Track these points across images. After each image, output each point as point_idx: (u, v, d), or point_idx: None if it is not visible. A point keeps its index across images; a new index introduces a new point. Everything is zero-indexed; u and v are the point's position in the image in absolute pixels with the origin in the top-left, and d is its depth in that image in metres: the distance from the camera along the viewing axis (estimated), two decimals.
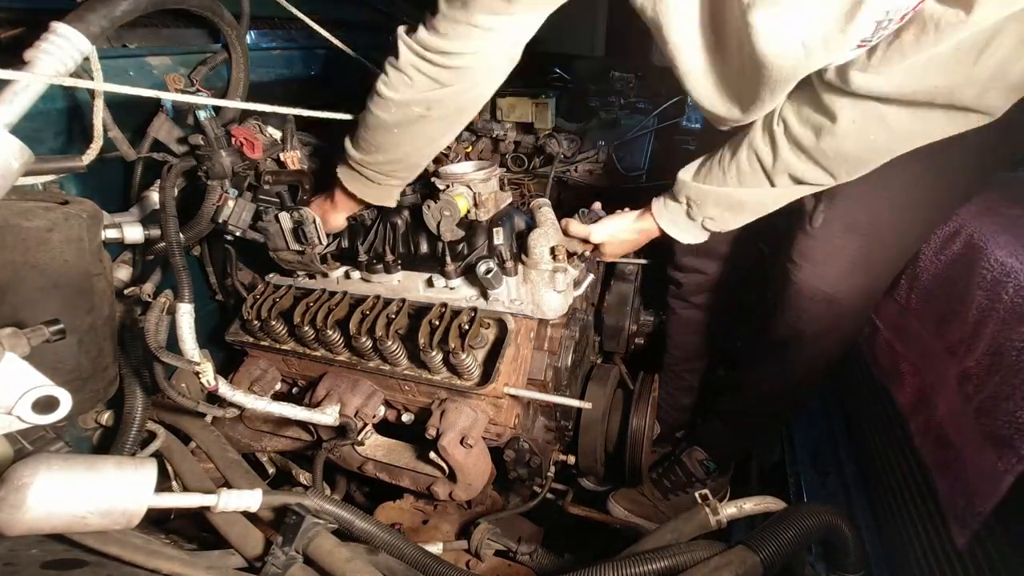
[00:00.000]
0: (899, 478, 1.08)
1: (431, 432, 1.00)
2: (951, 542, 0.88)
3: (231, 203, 1.03)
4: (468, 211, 1.05)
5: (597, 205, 1.15)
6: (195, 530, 0.93)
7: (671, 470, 1.41)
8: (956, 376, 0.88)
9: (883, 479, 1.17)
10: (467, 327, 0.99)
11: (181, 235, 0.94)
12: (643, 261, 1.52)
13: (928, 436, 0.98)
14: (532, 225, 1.06)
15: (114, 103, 0.94)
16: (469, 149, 1.56)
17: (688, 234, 1.03)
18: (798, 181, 0.88)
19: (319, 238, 1.04)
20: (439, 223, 1.03)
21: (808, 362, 1.17)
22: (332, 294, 1.13)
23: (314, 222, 1.02)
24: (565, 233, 1.09)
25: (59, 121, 0.94)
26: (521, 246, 1.05)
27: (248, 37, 1.15)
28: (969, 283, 0.88)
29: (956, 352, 0.90)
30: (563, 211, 1.31)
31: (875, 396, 1.18)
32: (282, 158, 1.10)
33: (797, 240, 1.07)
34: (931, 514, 0.97)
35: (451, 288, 1.08)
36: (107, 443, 1.01)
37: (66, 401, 0.63)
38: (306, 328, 1.08)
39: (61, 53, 0.72)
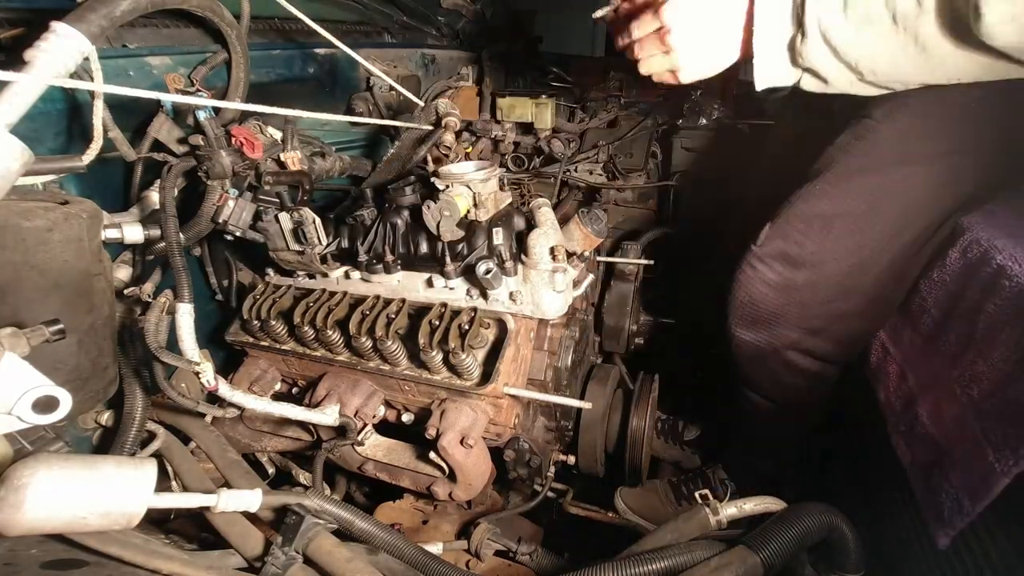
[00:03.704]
0: (898, 478, 1.08)
1: (431, 432, 1.00)
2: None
3: (231, 203, 1.03)
4: (468, 211, 1.05)
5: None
6: (195, 530, 0.93)
7: (692, 480, 1.41)
8: (957, 379, 0.88)
9: (882, 479, 1.17)
10: (467, 327, 0.99)
11: (181, 235, 0.94)
12: (644, 261, 1.52)
13: (910, 436, 0.98)
14: (532, 225, 1.06)
15: (114, 103, 0.94)
16: (469, 149, 1.57)
17: (774, 64, 0.74)
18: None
19: (319, 238, 1.04)
20: (439, 223, 1.03)
21: (761, 382, 1.13)
22: (332, 294, 1.13)
23: (314, 222, 1.02)
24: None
25: (59, 121, 0.94)
26: (521, 246, 1.05)
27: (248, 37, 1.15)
28: (976, 290, 0.87)
29: (957, 357, 0.89)
30: (563, 211, 1.30)
31: (874, 394, 1.18)
32: (282, 158, 1.10)
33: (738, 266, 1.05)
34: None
35: (451, 288, 1.08)
36: (107, 443, 1.01)
37: (66, 401, 0.63)
38: (306, 328, 1.08)
39: (61, 53, 0.72)
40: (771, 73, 0.75)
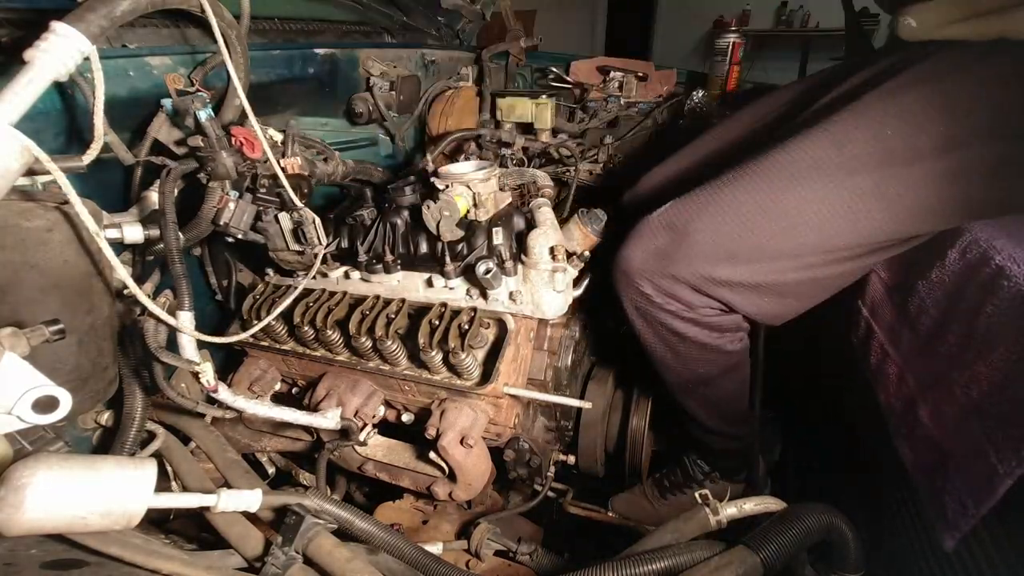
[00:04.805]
0: (898, 478, 1.08)
1: (431, 432, 1.00)
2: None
3: (232, 205, 1.03)
4: (468, 211, 1.05)
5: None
6: (195, 530, 0.93)
7: (671, 471, 1.41)
8: (957, 380, 0.88)
9: (882, 479, 1.17)
10: (467, 327, 0.99)
11: (181, 238, 0.94)
12: None
13: (911, 438, 0.98)
14: (532, 225, 1.06)
15: (114, 103, 0.94)
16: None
17: None
18: None
19: (319, 238, 1.04)
20: (439, 223, 1.03)
21: (656, 336, 1.09)
22: (332, 294, 1.13)
23: (314, 222, 1.02)
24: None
25: (59, 121, 0.94)
26: (521, 246, 1.05)
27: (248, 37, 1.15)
28: (975, 290, 0.87)
29: (957, 358, 0.89)
30: (562, 211, 1.30)
31: (873, 395, 1.19)
32: (283, 162, 1.09)
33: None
34: (929, 515, 0.97)
35: (451, 288, 1.08)
36: (107, 443, 1.01)
37: (66, 401, 0.63)
38: (306, 328, 1.08)
39: (61, 53, 0.72)
40: None
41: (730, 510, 0.86)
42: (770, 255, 0.96)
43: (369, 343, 1.04)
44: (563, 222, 1.14)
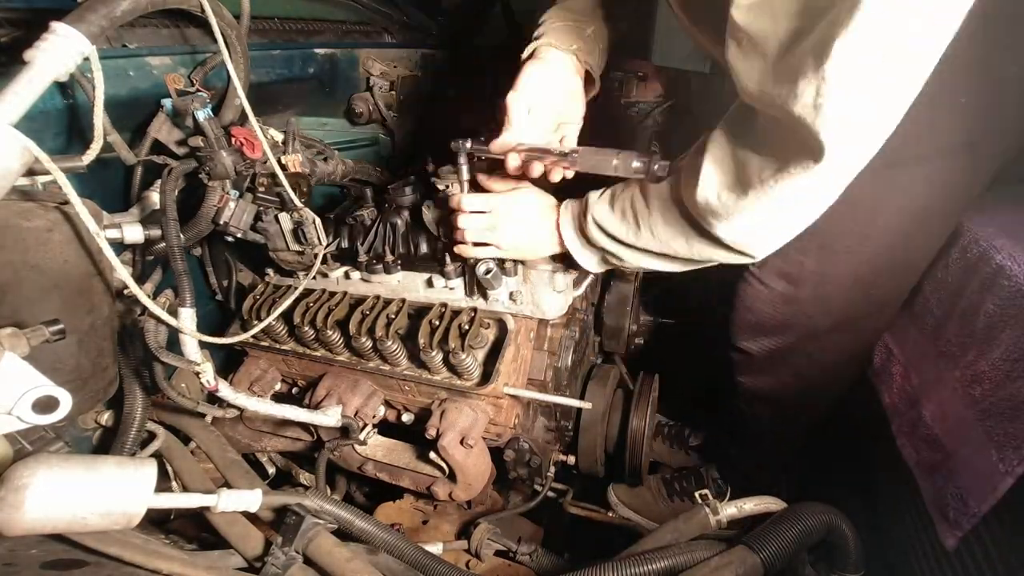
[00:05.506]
0: (899, 478, 1.08)
1: (431, 432, 1.00)
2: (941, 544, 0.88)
3: (232, 204, 1.03)
4: None
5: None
6: (195, 530, 0.93)
7: (686, 477, 1.40)
8: (959, 379, 0.88)
9: (883, 479, 1.17)
10: (467, 327, 0.99)
11: (182, 237, 0.94)
12: None
13: (914, 437, 0.98)
14: None
15: (114, 103, 0.94)
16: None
17: (578, 249, 0.93)
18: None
19: (319, 238, 1.04)
20: (439, 223, 1.03)
21: (771, 387, 1.12)
22: (332, 294, 1.13)
23: (314, 222, 1.02)
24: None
25: (59, 121, 0.94)
26: None
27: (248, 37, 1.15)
28: (976, 289, 0.87)
29: (959, 357, 0.89)
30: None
31: (874, 395, 1.18)
32: (283, 160, 1.09)
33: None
34: (929, 515, 0.97)
35: (451, 288, 1.08)
36: (107, 443, 1.01)
37: (66, 401, 0.63)
38: (306, 328, 1.08)
39: (61, 53, 0.72)
40: (581, 257, 0.94)
41: (730, 510, 0.86)
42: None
43: (369, 343, 1.04)
44: None
